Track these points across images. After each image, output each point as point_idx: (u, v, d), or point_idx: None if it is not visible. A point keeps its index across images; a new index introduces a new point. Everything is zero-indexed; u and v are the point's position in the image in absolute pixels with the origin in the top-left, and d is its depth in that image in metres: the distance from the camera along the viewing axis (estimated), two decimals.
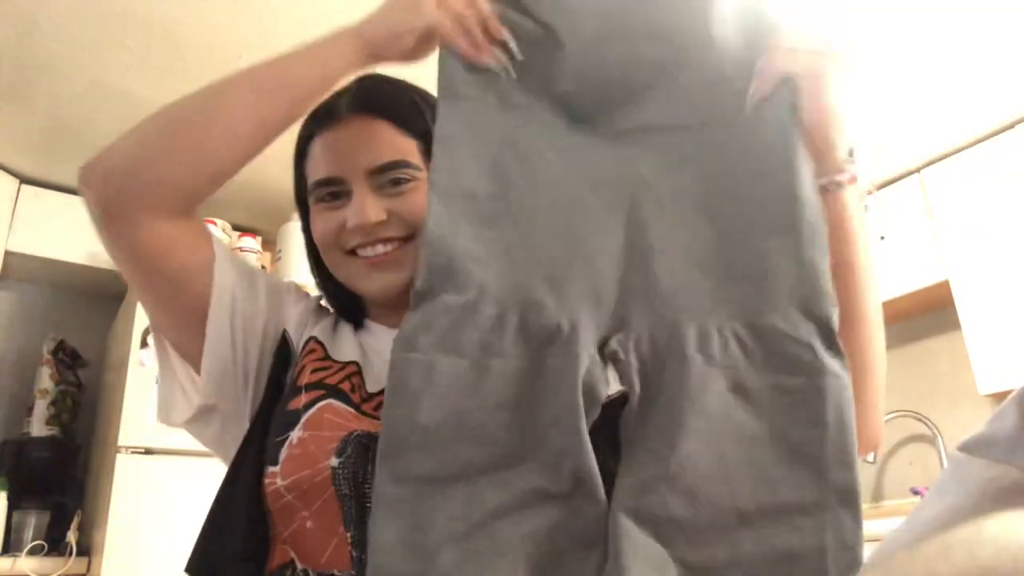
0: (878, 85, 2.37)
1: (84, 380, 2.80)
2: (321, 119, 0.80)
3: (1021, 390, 0.69)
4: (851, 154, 0.77)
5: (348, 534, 0.64)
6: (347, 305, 0.84)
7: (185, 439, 2.53)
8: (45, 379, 2.66)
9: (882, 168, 2.85)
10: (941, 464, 2.84)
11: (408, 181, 0.77)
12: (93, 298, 2.97)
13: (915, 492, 2.78)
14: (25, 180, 2.73)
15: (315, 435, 0.67)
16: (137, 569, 2.11)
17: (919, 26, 2.12)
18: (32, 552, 2.30)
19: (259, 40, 2.10)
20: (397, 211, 0.76)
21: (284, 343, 0.79)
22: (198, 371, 0.75)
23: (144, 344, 2.36)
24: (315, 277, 0.87)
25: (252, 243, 2.81)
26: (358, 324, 0.84)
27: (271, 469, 0.67)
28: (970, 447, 0.70)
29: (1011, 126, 2.57)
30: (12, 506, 2.36)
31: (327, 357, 0.77)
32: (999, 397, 2.44)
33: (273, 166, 3.04)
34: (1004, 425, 0.69)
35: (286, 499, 0.66)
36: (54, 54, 2.14)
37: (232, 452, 0.75)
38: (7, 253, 2.66)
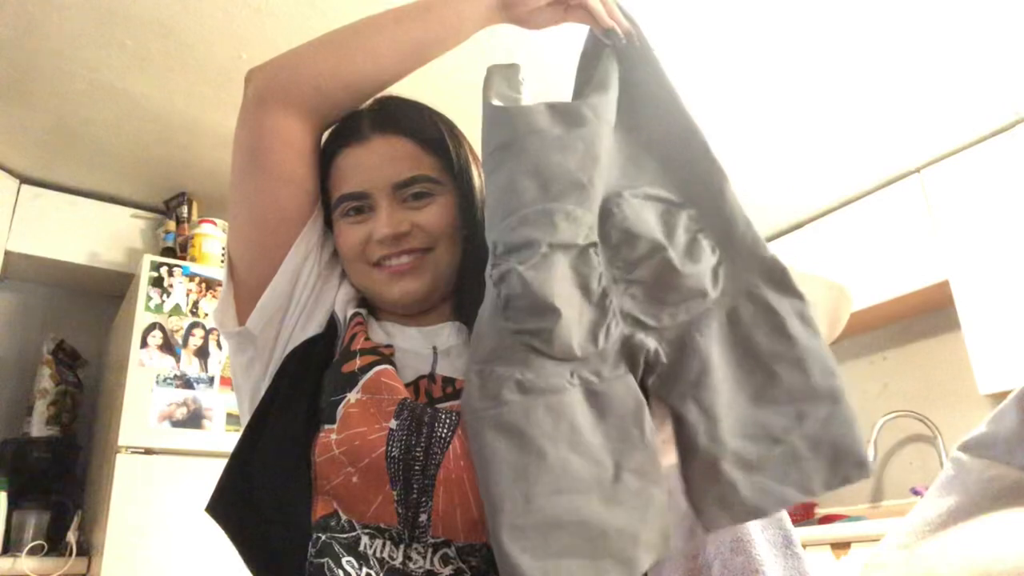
0: (878, 85, 2.37)
1: (84, 380, 2.80)
2: (344, 137, 0.85)
3: (1021, 390, 0.69)
4: None
5: (394, 492, 0.68)
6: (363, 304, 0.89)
7: (185, 439, 2.53)
8: (45, 379, 2.66)
9: (882, 168, 2.85)
10: (941, 464, 2.83)
11: (429, 195, 0.83)
12: (93, 298, 2.97)
13: (915, 492, 2.78)
14: (25, 180, 2.74)
15: (374, 398, 0.72)
16: (137, 569, 2.11)
17: (919, 26, 2.12)
18: (32, 552, 2.30)
19: (259, 39, 2.10)
20: (419, 223, 0.81)
21: (332, 323, 0.83)
22: (245, 306, 0.82)
23: (144, 344, 2.37)
24: None
25: None
26: (376, 319, 0.89)
27: (327, 427, 0.71)
28: (970, 447, 0.70)
29: (1011, 126, 2.57)
30: (12, 506, 2.36)
31: (370, 337, 0.81)
32: (999, 397, 2.44)
33: None
34: (1004, 425, 0.69)
35: (333, 453, 0.69)
36: (54, 54, 2.14)
37: (251, 393, 0.82)
38: (7, 253, 2.66)
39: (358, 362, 0.76)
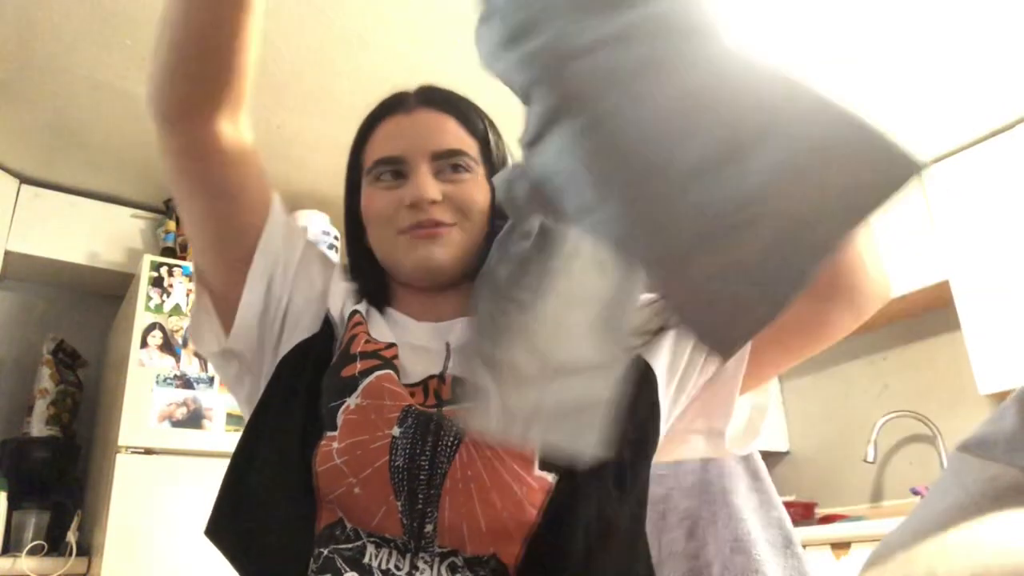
0: (879, 85, 2.37)
1: (84, 380, 2.80)
2: (387, 108, 0.85)
3: (1021, 390, 0.69)
4: None
5: (398, 503, 0.65)
6: (375, 288, 0.86)
7: (185, 439, 2.53)
8: (45, 379, 2.66)
9: None
10: (941, 464, 2.83)
11: (466, 171, 0.81)
12: (93, 298, 2.97)
13: (915, 492, 2.78)
14: (25, 180, 2.74)
15: (375, 404, 0.69)
16: (137, 569, 2.11)
17: (919, 26, 2.12)
18: (32, 552, 2.30)
19: (259, 40, 2.10)
20: (452, 196, 0.80)
21: (327, 322, 0.81)
22: (225, 320, 0.79)
23: (144, 344, 2.37)
24: (349, 256, 0.89)
25: None
26: (382, 312, 0.85)
27: (329, 434, 0.69)
28: (970, 447, 0.70)
29: (1011, 126, 2.57)
30: (12, 506, 2.36)
31: (370, 337, 0.78)
32: (999, 397, 2.44)
33: (275, 167, 3.05)
34: (1004, 425, 0.69)
35: (335, 463, 0.67)
36: (54, 54, 2.14)
37: (247, 402, 0.80)
38: (7, 253, 2.66)
39: (359, 365, 0.72)
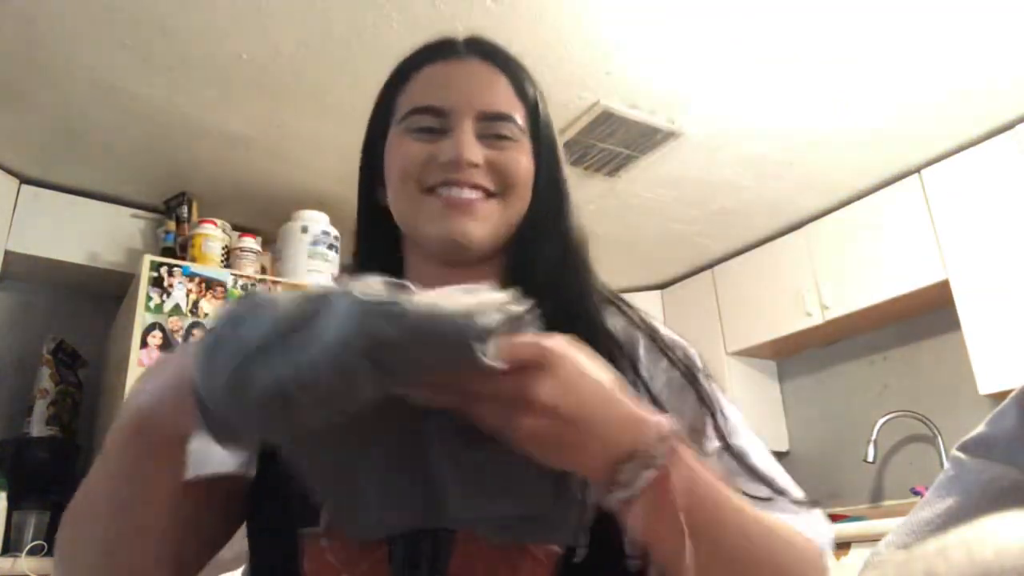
0: (878, 85, 2.37)
1: (84, 380, 2.80)
2: (434, 52, 0.75)
3: (1021, 390, 0.69)
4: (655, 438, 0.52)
5: None
6: (383, 264, 0.74)
7: None
8: (45, 379, 2.66)
9: (882, 167, 2.85)
10: (941, 464, 2.83)
11: (511, 139, 0.72)
12: (93, 298, 2.97)
13: (915, 492, 2.78)
14: (25, 180, 2.73)
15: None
16: None
17: (919, 26, 2.12)
18: (32, 552, 2.29)
19: (260, 40, 2.10)
20: (495, 163, 0.70)
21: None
22: None
23: (144, 344, 2.36)
24: (358, 222, 0.79)
25: (252, 243, 2.81)
26: None
27: (312, 529, 0.59)
28: (969, 447, 0.70)
29: (1011, 126, 2.57)
30: (12, 506, 2.36)
31: None
32: (999, 397, 2.44)
33: (275, 167, 3.04)
34: (1004, 426, 0.69)
35: (327, 561, 0.59)
36: (54, 54, 2.14)
37: None
38: (7, 253, 2.66)
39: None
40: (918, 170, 2.80)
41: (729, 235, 3.31)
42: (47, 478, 2.50)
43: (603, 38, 2.14)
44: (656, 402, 0.64)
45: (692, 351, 0.72)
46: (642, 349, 0.70)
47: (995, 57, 2.26)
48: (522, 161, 0.72)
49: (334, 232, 2.87)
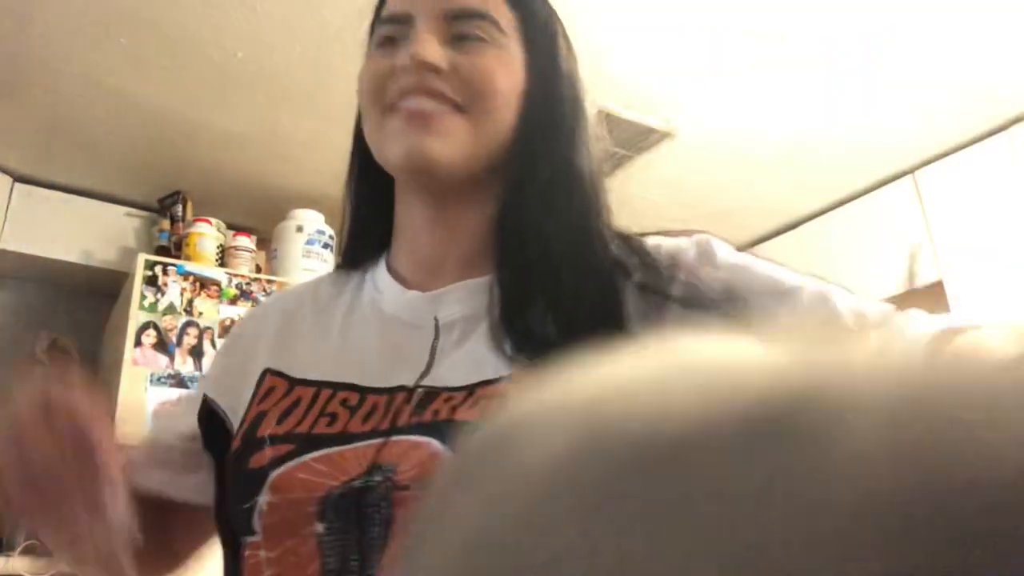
0: (873, 86, 2.37)
1: None
2: None
3: None
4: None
5: None
6: (371, 230, 0.69)
7: None
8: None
9: (876, 169, 2.86)
10: None
11: (484, 41, 0.61)
12: (87, 297, 2.96)
13: None
14: (19, 178, 2.72)
15: (286, 498, 0.53)
16: None
17: (915, 28, 2.13)
18: (26, 551, 2.29)
19: (254, 38, 2.09)
20: (462, 68, 0.59)
21: (210, 413, 0.66)
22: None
23: (138, 343, 2.36)
24: (347, 189, 0.71)
25: (247, 242, 2.81)
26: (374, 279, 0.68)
27: (250, 540, 0.54)
28: None
29: (1005, 127, 2.57)
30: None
31: (292, 388, 0.60)
32: None
33: (270, 166, 3.04)
34: None
35: (267, 574, 0.53)
36: (48, 52, 2.13)
37: None
38: (0, 252, 2.65)
39: (268, 453, 0.56)
40: (912, 172, 2.81)
41: (724, 236, 3.30)
42: None
43: (598, 38, 2.14)
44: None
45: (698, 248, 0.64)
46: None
47: (989, 59, 2.27)
48: (500, 69, 0.61)
49: (329, 231, 2.87)
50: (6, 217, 2.68)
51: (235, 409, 0.63)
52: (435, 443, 0.51)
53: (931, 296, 2.74)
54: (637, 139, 2.59)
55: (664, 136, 2.58)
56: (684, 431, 0.16)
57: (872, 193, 2.94)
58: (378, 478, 0.51)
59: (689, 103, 2.44)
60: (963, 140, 2.67)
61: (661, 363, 0.19)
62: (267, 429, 0.57)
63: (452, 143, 0.59)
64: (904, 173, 2.84)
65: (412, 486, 0.50)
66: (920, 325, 0.52)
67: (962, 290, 2.60)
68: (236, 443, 0.59)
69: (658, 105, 2.45)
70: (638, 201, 3.02)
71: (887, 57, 2.24)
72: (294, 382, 0.60)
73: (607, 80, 2.31)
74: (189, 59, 2.18)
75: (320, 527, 0.51)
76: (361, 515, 0.51)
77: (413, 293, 0.62)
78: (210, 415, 0.65)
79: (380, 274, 0.66)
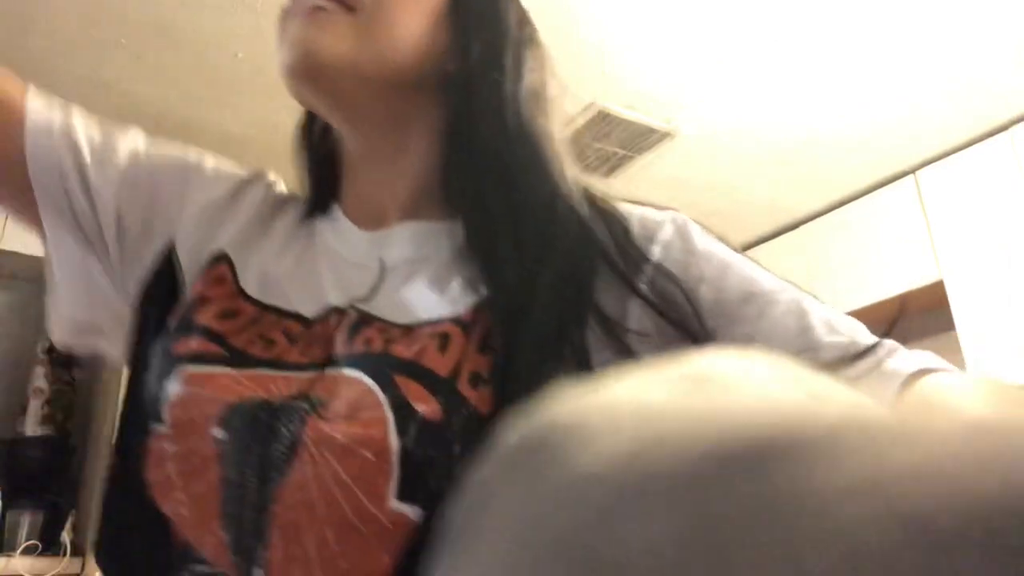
0: (873, 86, 2.37)
1: (79, 379, 2.79)
2: None
3: None
4: None
5: (226, 536, 0.45)
6: (320, 160, 0.67)
7: None
8: (39, 378, 2.65)
9: (877, 168, 2.86)
10: None
11: None
12: None
13: None
14: None
15: (196, 394, 0.48)
16: None
17: (914, 27, 2.13)
18: (26, 552, 2.29)
19: (254, 38, 2.09)
20: None
21: (168, 259, 0.59)
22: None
23: None
24: (296, 144, 0.70)
25: None
26: (326, 213, 0.64)
27: (159, 428, 0.48)
28: None
29: (1005, 127, 2.57)
30: (6, 506, 2.36)
31: (239, 293, 0.55)
32: None
33: (270, 166, 3.04)
34: None
35: (166, 469, 0.48)
36: (49, 52, 2.13)
37: None
38: (1, 252, 2.65)
39: (194, 344, 0.51)
40: (913, 171, 2.81)
41: (725, 235, 3.31)
42: (41, 478, 2.49)
43: (599, 38, 2.14)
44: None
45: (673, 226, 0.60)
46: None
47: (990, 58, 2.27)
48: None
49: None
50: (7, 217, 2.68)
51: (157, 220, 0.60)
52: (367, 380, 0.47)
53: (931, 296, 2.74)
54: (639, 139, 2.59)
55: (665, 136, 2.58)
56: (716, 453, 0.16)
57: (872, 193, 2.94)
58: (304, 405, 0.47)
59: (689, 103, 2.44)
60: (963, 140, 2.67)
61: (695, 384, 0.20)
62: (205, 319, 0.53)
63: (341, 43, 0.54)
64: (904, 173, 2.84)
65: (333, 419, 0.45)
66: (895, 360, 0.51)
67: (962, 290, 2.60)
68: (175, 321, 0.54)
69: (660, 105, 2.45)
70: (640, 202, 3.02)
71: (887, 57, 2.24)
72: (243, 293, 0.56)
73: (609, 81, 2.31)
74: (190, 59, 2.18)
75: (220, 433, 0.47)
76: (269, 430, 0.46)
77: (361, 233, 0.60)
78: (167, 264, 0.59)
79: (335, 215, 0.63)
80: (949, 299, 2.63)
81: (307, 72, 0.55)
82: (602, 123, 2.49)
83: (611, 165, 2.76)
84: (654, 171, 2.81)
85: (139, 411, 0.51)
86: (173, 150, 0.67)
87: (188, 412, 0.48)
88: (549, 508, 0.18)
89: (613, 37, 2.14)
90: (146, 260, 0.59)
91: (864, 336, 0.54)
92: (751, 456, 0.16)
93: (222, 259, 0.57)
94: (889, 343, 0.53)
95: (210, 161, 0.66)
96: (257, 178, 0.67)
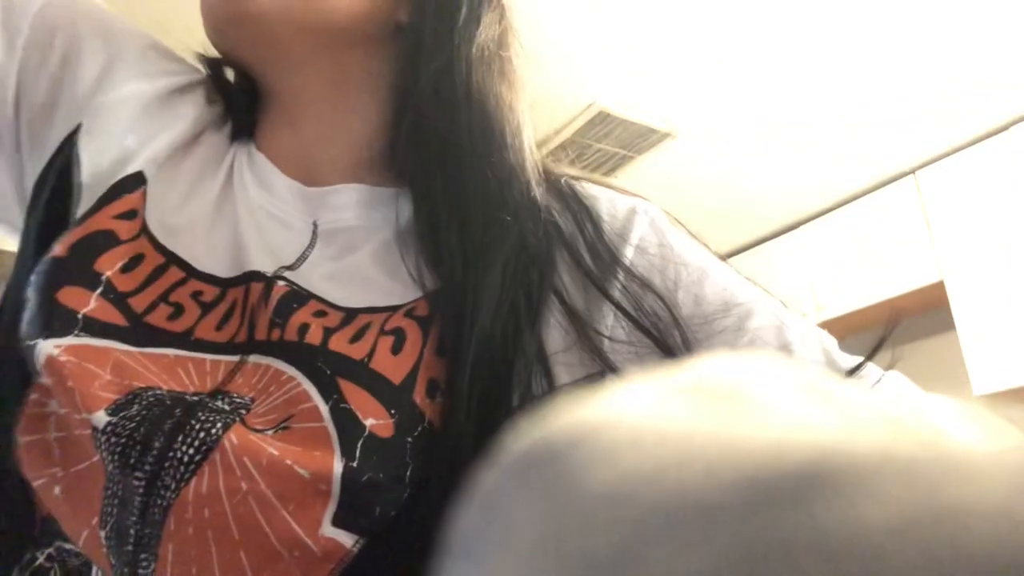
0: (873, 86, 2.37)
1: None
2: None
3: None
4: None
5: (102, 533, 0.36)
6: (239, 100, 0.54)
7: None
8: None
9: (877, 169, 2.85)
10: None
11: None
12: None
13: None
14: None
15: (84, 368, 0.37)
16: None
17: (914, 27, 2.13)
18: None
19: None
20: None
21: (65, 153, 0.45)
22: None
23: None
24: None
25: None
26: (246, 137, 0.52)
27: (40, 381, 0.38)
28: None
29: (1006, 127, 2.57)
30: None
31: (144, 232, 0.43)
32: (994, 397, 2.45)
33: None
34: None
35: (45, 437, 0.38)
36: None
37: None
38: (0, 252, 2.65)
39: (90, 302, 0.40)
40: (913, 171, 2.81)
41: (724, 236, 3.31)
42: None
43: (599, 39, 2.14)
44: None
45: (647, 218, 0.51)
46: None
47: (990, 58, 2.27)
48: None
49: None
50: None
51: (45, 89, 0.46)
52: (304, 382, 0.39)
53: (931, 296, 2.74)
54: (638, 139, 2.59)
55: (665, 136, 2.58)
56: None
57: (873, 193, 2.94)
58: (225, 406, 0.38)
59: (690, 103, 2.44)
60: (965, 140, 2.67)
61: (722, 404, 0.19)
62: (107, 268, 0.41)
63: None
64: (906, 173, 2.84)
65: (260, 426, 0.37)
66: (879, 383, 0.49)
67: (962, 290, 2.60)
68: (61, 247, 0.41)
69: (659, 105, 2.44)
70: None
71: (887, 57, 2.24)
72: (152, 239, 0.44)
73: (609, 81, 2.31)
74: (189, 59, 2.18)
75: (104, 416, 0.36)
76: (176, 426, 0.36)
77: (289, 182, 0.49)
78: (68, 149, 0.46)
79: (251, 152, 0.51)
80: (949, 299, 2.63)
81: (238, 17, 0.45)
82: (602, 123, 2.49)
83: (611, 165, 2.76)
84: (654, 172, 2.80)
85: (14, 353, 0.39)
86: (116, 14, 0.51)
87: (72, 382, 0.37)
88: (569, 527, 0.17)
89: (613, 37, 2.14)
90: (48, 149, 0.45)
91: (838, 355, 0.50)
92: (794, 486, 0.15)
93: (138, 183, 0.44)
94: (866, 366, 0.49)
95: (156, 44, 0.53)
96: (199, 85, 0.53)
